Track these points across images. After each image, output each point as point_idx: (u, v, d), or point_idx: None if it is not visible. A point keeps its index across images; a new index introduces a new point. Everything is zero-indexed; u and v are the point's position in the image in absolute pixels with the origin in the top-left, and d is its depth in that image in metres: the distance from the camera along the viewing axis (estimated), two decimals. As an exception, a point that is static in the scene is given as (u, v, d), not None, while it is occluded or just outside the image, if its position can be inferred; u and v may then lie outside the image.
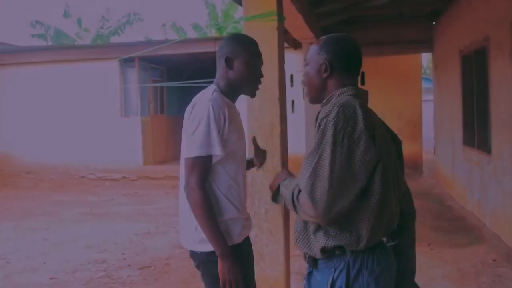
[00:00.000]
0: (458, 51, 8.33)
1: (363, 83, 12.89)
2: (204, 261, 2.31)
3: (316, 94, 2.08)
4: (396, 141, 2.08)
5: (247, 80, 2.38)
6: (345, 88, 2.01)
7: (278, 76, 3.62)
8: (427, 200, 9.03)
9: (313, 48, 2.10)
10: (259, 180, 3.76)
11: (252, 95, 2.47)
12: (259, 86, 2.46)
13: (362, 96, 2.03)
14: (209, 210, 2.19)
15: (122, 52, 13.93)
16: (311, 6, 7.54)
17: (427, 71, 31.97)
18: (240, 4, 5.34)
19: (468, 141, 8.00)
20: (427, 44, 11.25)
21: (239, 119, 2.43)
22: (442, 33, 10.00)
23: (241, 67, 2.35)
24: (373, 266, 1.87)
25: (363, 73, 12.86)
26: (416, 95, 13.00)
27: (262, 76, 2.43)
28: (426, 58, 29.20)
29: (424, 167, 13.20)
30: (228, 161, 2.30)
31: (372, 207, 1.84)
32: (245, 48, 2.37)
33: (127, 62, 13.97)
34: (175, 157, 15.10)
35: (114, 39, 23.65)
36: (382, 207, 1.87)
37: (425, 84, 18.49)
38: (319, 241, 1.90)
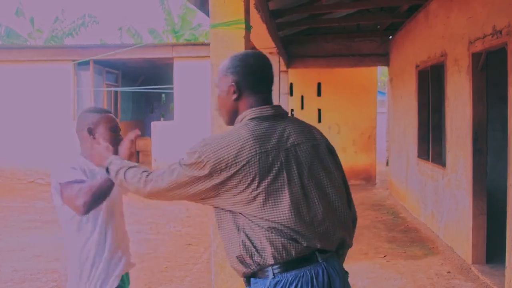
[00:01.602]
0: (414, 65, 8.50)
1: (319, 94, 13.02)
2: None
3: (229, 117, 2.04)
4: (333, 153, 2.08)
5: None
6: (249, 111, 1.96)
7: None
8: (380, 212, 9.15)
9: (220, 69, 2.04)
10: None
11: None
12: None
13: (272, 116, 1.96)
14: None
15: (77, 54, 13.61)
16: (272, 16, 7.55)
17: (379, 84, 32.63)
18: (205, 12, 5.28)
19: (423, 154, 8.16)
20: (383, 58, 11.45)
21: None
22: (399, 47, 10.21)
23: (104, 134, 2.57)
24: None
25: (319, 84, 12.99)
26: (371, 107, 13.20)
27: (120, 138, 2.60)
28: (378, 71, 29.78)
29: (377, 178, 13.40)
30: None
31: (265, 227, 1.82)
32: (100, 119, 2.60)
33: (81, 65, 13.64)
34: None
35: (68, 41, 23.11)
36: (282, 228, 1.82)
37: (377, 97, 18.84)
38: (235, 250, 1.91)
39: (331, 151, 2.07)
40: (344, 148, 12.78)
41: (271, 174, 1.83)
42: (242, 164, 1.81)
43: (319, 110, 12.99)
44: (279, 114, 1.99)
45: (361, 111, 13.03)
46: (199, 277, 5.56)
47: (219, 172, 1.82)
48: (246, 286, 1.97)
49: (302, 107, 12.87)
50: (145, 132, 16.47)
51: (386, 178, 12.37)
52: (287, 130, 1.95)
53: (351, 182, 12.14)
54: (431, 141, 7.66)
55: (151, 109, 20.87)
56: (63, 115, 13.65)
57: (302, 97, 13.03)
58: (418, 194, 8.36)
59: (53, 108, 13.60)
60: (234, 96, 1.97)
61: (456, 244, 6.23)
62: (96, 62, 13.83)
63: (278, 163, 1.85)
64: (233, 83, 1.96)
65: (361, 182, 12.73)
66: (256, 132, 1.87)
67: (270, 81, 2.05)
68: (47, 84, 13.53)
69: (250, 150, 1.82)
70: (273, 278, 1.82)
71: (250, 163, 1.81)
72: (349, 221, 2.02)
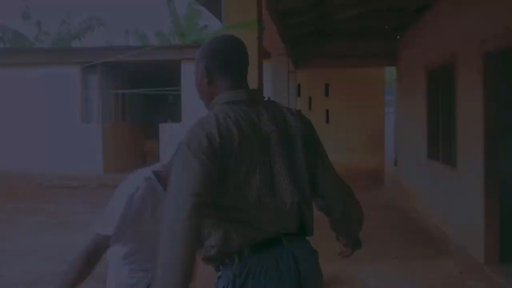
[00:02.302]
0: (423, 65, 8.47)
1: (327, 95, 13.00)
2: None
3: (209, 104, 2.00)
4: (308, 140, 2.00)
5: None
6: (222, 95, 1.93)
7: (258, 86, 3.57)
8: (390, 212, 9.12)
9: (195, 58, 2.04)
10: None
11: None
12: None
13: (246, 100, 1.93)
14: None
15: (84, 57, 13.66)
16: (281, 17, 7.55)
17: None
18: (214, 13, 5.29)
19: (433, 154, 8.12)
20: (391, 58, 11.42)
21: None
22: (408, 47, 10.18)
23: None
24: (259, 277, 1.81)
25: (327, 85, 12.97)
26: (379, 107, 13.18)
27: None
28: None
29: (385, 178, 13.34)
30: None
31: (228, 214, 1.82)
32: None
33: (88, 67, 13.68)
34: (137, 165, 14.91)
35: (75, 44, 23.18)
36: (245, 211, 1.82)
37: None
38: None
39: (305, 138, 2.00)
40: (353, 149, 12.75)
41: (245, 162, 1.82)
42: (216, 147, 1.77)
43: (327, 111, 12.97)
44: (253, 99, 1.96)
45: (369, 112, 13.00)
46: (211, 279, 5.54)
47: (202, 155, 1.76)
48: (217, 273, 1.96)
49: (310, 108, 12.84)
50: (152, 134, 16.48)
51: (394, 179, 12.32)
52: (261, 116, 1.92)
53: (360, 182, 12.22)
54: (441, 141, 7.62)
55: (159, 111, 20.86)
56: (70, 118, 13.70)
57: (310, 98, 13.01)
58: (428, 194, 8.32)
59: (60, 110, 13.65)
60: (206, 81, 1.96)
61: (468, 244, 6.19)
62: (103, 64, 13.86)
63: (253, 151, 1.84)
64: (203, 68, 1.96)
65: (370, 183, 12.67)
66: (232, 116, 1.84)
67: (242, 64, 2.01)
68: (54, 87, 13.60)
69: (226, 136, 1.79)
70: (238, 263, 1.83)
71: (225, 150, 1.78)
72: (309, 207, 1.99)
